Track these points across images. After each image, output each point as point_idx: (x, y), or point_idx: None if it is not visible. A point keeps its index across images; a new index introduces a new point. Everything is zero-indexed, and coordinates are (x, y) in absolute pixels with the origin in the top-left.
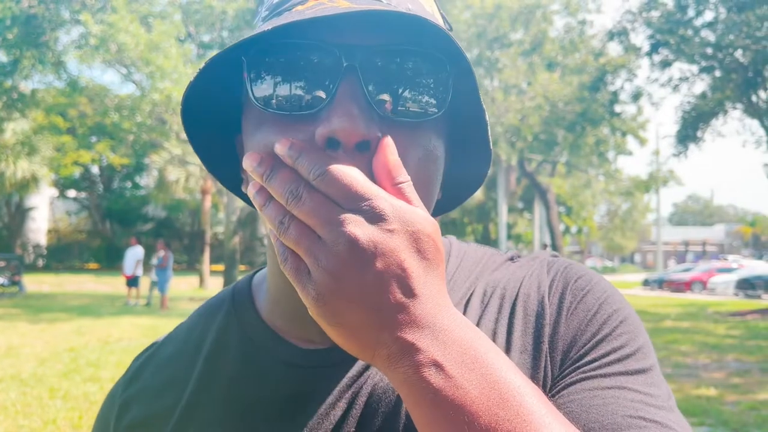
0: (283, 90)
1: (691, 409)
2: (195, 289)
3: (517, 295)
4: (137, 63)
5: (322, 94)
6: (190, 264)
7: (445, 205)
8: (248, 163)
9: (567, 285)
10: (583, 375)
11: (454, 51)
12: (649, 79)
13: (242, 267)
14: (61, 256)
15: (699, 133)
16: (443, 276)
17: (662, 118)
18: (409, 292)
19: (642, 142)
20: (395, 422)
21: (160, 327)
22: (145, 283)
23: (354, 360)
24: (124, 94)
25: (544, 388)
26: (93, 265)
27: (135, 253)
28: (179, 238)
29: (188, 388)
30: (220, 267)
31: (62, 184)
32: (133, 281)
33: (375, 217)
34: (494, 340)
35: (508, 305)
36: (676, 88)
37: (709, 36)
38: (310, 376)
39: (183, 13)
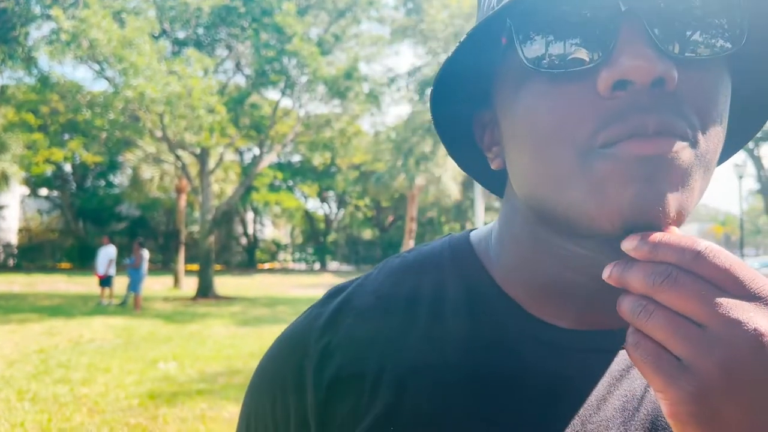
0: (558, 47)
1: None
2: (169, 289)
3: None
4: (110, 59)
5: (601, 44)
6: (165, 263)
7: (733, 144)
8: (627, 244)
9: None
10: None
11: None
12: None
13: (218, 266)
14: (33, 255)
15: None
16: None
17: None
18: None
19: None
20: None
21: (133, 327)
22: (120, 282)
23: (617, 349)
24: (96, 91)
25: None
26: (65, 265)
27: (107, 253)
28: (154, 238)
29: (409, 347)
30: (195, 266)
31: (34, 183)
32: (105, 281)
33: None
34: None
35: None
36: None
37: None
38: (570, 359)
39: (157, 10)
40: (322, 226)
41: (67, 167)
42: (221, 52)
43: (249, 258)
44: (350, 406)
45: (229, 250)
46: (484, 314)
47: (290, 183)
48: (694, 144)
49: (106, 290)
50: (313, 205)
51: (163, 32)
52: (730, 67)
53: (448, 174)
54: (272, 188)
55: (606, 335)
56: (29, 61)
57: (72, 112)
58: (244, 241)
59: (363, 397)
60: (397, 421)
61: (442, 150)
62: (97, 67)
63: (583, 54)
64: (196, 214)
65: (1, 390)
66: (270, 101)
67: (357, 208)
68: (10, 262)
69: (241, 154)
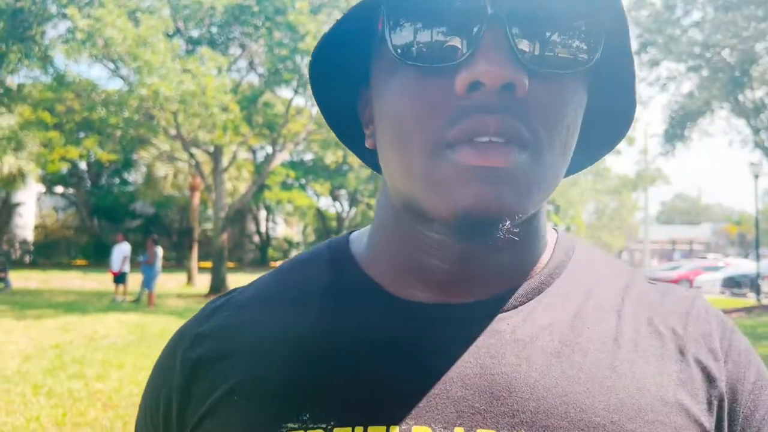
0: (424, 40)
1: None
2: (183, 286)
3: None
4: (125, 58)
5: (465, 44)
6: (178, 261)
7: (574, 163)
8: None
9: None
10: None
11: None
12: (637, 78)
13: (230, 264)
14: (48, 252)
15: (686, 132)
16: None
17: (650, 117)
18: None
19: (630, 141)
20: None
21: (146, 324)
22: (134, 279)
23: (469, 320)
24: (111, 89)
25: None
26: (80, 262)
27: (122, 250)
28: (167, 235)
29: (264, 330)
30: (209, 264)
31: (49, 180)
32: (120, 278)
33: None
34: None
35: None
36: (664, 87)
37: (697, 35)
38: (419, 327)
39: (171, 9)
40: (334, 224)
41: (83, 165)
42: (235, 50)
43: (262, 255)
44: (208, 382)
45: (242, 247)
46: (346, 296)
47: (303, 181)
48: (534, 150)
49: (120, 287)
50: (326, 203)
51: (177, 31)
52: (585, 81)
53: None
54: (285, 186)
55: (455, 307)
56: (45, 60)
57: (87, 111)
58: (256, 238)
59: (220, 374)
60: (241, 390)
61: None
62: (111, 65)
63: (447, 52)
64: (210, 211)
65: (17, 384)
66: (283, 100)
67: (369, 206)
68: (27, 258)
69: (254, 152)
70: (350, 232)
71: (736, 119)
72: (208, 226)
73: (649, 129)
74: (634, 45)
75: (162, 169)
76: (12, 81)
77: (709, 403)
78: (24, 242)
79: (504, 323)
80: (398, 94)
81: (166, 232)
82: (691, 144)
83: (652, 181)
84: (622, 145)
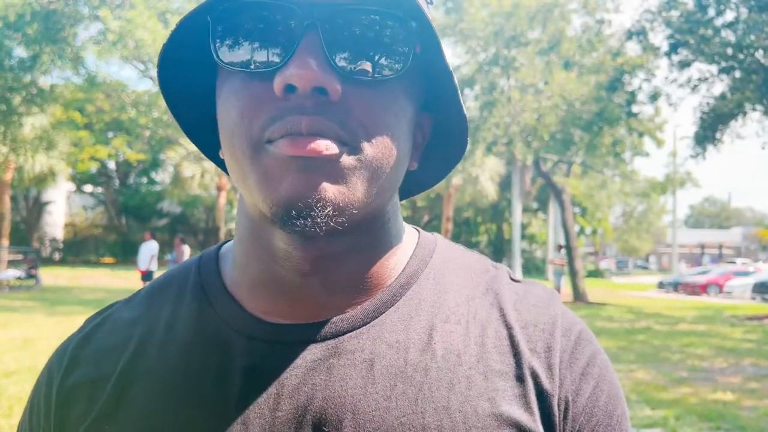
0: (247, 48)
1: (707, 414)
2: None
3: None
4: (154, 59)
5: (283, 50)
6: None
7: (425, 177)
8: None
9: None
10: None
11: (415, 9)
12: (668, 80)
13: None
14: (77, 250)
15: (717, 135)
16: None
17: (680, 119)
18: None
19: (659, 143)
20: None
21: None
22: None
23: (321, 340)
24: (141, 90)
25: None
26: (108, 260)
27: (149, 248)
28: (194, 234)
29: (134, 352)
30: None
31: (79, 179)
32: (147, 276)
33: None
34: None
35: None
36: (695, 88)
37: (730, 36)
38: (269, 351)
39: None
40: None
41: (111, 164)
42: None
43: None
44: (83, 407)
45: None
46: (210, 317)
47: None
48: (353, 149)
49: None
50: None
51: None
52: (406, 90)
53: (486, 174)
54: None
55: (307, 327)
56: (77, 61)
57: (117, 111)
58: None
59: (93, 399)
60: (113, 419)
61: (479, 149)
62: (141, 66)
63: (267, 57)
64: (235, 211)
65: None
66: None
67: None
68: (56, 256)
69: None
70: (222, 243)
71: None
72: (234, 225)
73: (679, 131)
74: (665, 45)
75: (189, 169)
76: (45, 82)
77: (544, 418)
78: (54, 240)
79: (354, 342)
80: (227, 97)
81: (192, 231)
82: (722, 147)
83: (682, 184)
84: (651, 148)
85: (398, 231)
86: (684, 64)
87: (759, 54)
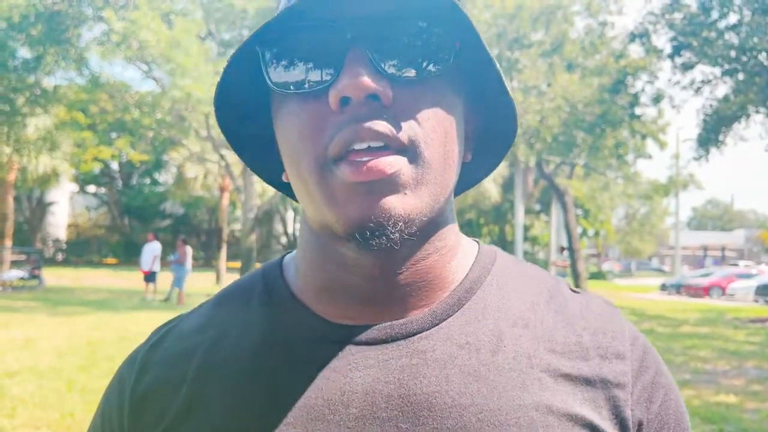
0: (297, 70)
1: (710, 416)
2: (211, 286)
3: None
4: (158, 60)
5: (332, 66)
6: (207, 261)
7: (477, 169)
8: None
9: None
10: None
11: (451, 7)
12: (671, 82)
13: (258, 264)
14: (80, 250)
15: (720, 137)
16: None
17: (683, 121)
18: None
19: (662, 145)
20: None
21: None
22: (164, 278)
23: (392, 341)
24: (144, 90)
25: None
26: (111, 260)
27: (152, 249)
28: (197, 235)
29: (205, 356)
30: (237, 264)
31: (82, 180)
32: (150, 277)
33: None
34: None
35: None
36: (698, 90)
37: (733, 38)
38: (340, 352)
39: (204, 11)
40: None
41: (115, 165)
42: None
43: None
44: (156, 412)
45: (270, 248)
46: (277, 320)
47: None
48: (413, 155)
49: (151, 286)
50: None
51: (210, 33)
52: (453, 87)
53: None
54: None
55: (379, 327)
56: (81, 62)
57: (120, 112)
58: (284, 240)
59: (166, 403)
60: (188, 421)
61: None
62: (145, 67)
63: (318, 76)
64: (238, 212)
65: (51, 380)
66: None
67: None
68: (59, 256)
69: None
70: (284, 255)
71: None
72: (237, 226)
73: (682, 133)
74: (668, 47)
75: (192, 170)
76: (48, 82)
77: (616, 422)
78: (57, 240)
79: (425, 342)
80: (285, 120)
81: (195, 232)
82: (725, 149)
83: (685, 186)
84: (653, 150)
85: (457, 233)
86: (687, 67)
87: (762, 56)
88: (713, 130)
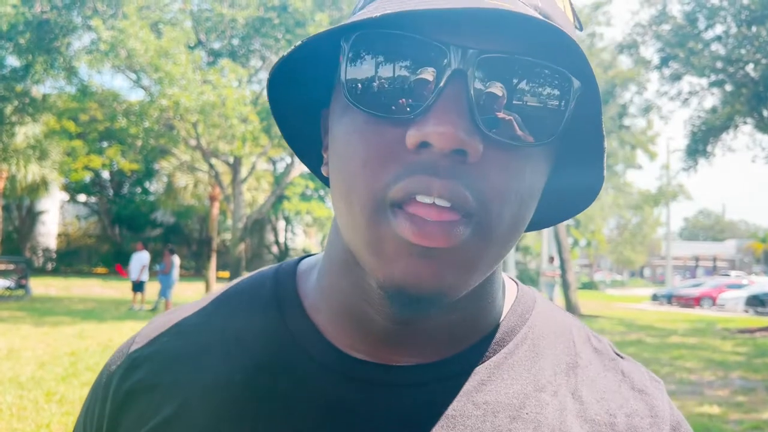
0: (379, 87)
1: (693, 427)
2: (201, 295)
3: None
4: (146, 69)
5: (422, 97)
6: (197, 270)
7: (542, 220)
8: None
9: None
10: None
11: (583, 68)
12: (659, 93)
13: (247, 274)
14: (70, 259)
15: (709, 148)
16: None
17: (672, 131)
18: None
19: (652, 156)
20: None
21: None
22: (153, 288)
23: (404, 385)
24: (133, 99)
25: None
26: (101, 270)
27: (140, 258)
28: (188, 244)
29: (197, 362)
30: (227, 274)
31: (73, 189)
32: (138, 286)
33: None
34: None
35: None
36: (686, 101)
37: (720, 50)
38: (346, 386)
39: (193, 21)
40: None
41: (105, 174)
42: (255, 62)
43: None
44: (138, 414)
45: (261, 258)
46: (281, 334)
47: (322, 192)
48: (480, 222)
49: (138, 295)
50: None
51: (199, 43)
52: (549, 152)
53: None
54: (304, 197)
55: (394, 369)
56: (70, 71)
57: (109, 121)
58: (275, 249)
59: (150, 407)
60: (174, 429)
61: None
62: (134, 76)
63: (404, 101)
64: (229, 222)
65: (30, 390)
66: None
67: None
68: (49, 266)
69: (273, 163)
70: (301, 258)
71: (760, 135)
72: (227, 236)
73: (671, 144)
74: (656, 58)
75: (182, 179)
76: (37, 91)
77: None
78: (47, 250)
79: (437, 394)
80: (349, 135)
81: (185, 241)
82: (714, 159)
83: (674, 196)
84: (643, 161)
85: (500, 281)
86: (675, 77)
87: (749, 68)
88: (701, 141)
